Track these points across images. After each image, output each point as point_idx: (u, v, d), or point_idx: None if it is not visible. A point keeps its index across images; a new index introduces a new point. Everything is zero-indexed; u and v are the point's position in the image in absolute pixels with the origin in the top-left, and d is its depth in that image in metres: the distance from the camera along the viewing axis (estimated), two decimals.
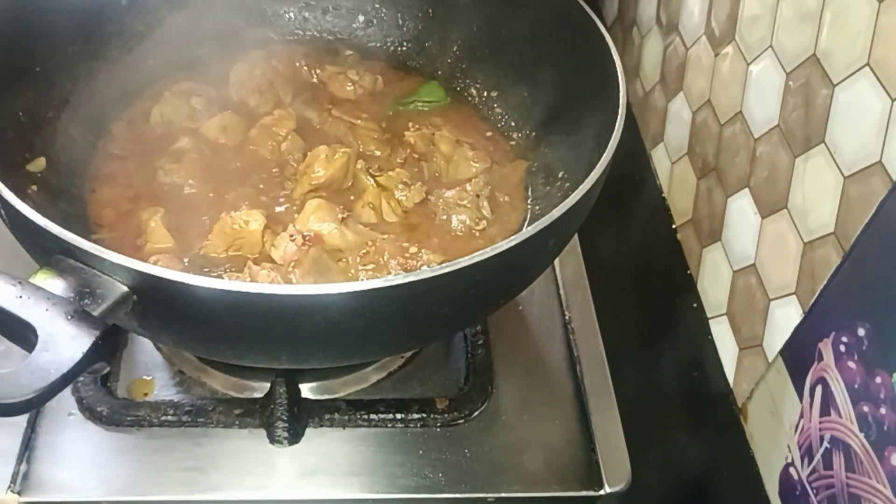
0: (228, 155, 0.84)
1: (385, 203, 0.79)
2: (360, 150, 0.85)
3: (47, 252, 0.55)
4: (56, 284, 0.52)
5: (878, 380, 0.54)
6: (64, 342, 0.48)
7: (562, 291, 0.88)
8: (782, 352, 0.67)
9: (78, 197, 0.79)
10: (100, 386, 0.75)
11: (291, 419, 0.73)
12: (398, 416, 0.75)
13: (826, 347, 0.61)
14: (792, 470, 0.65)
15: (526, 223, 0.83)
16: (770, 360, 0.69)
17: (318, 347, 0.62)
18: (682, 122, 0.89)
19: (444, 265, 0.55)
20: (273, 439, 0.73)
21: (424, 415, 0.76)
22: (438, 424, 0.76)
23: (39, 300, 0.50)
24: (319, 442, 0.74)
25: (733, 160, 0.77)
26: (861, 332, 0.56)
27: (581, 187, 0.62)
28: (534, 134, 0.89)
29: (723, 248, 0.79)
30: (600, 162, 0.64)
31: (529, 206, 0.85)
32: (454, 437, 0.75)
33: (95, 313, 0.51)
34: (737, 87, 0.76)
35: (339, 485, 0.72)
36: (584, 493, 0.73)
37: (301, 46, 0.99)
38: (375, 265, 0.74)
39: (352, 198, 0.80)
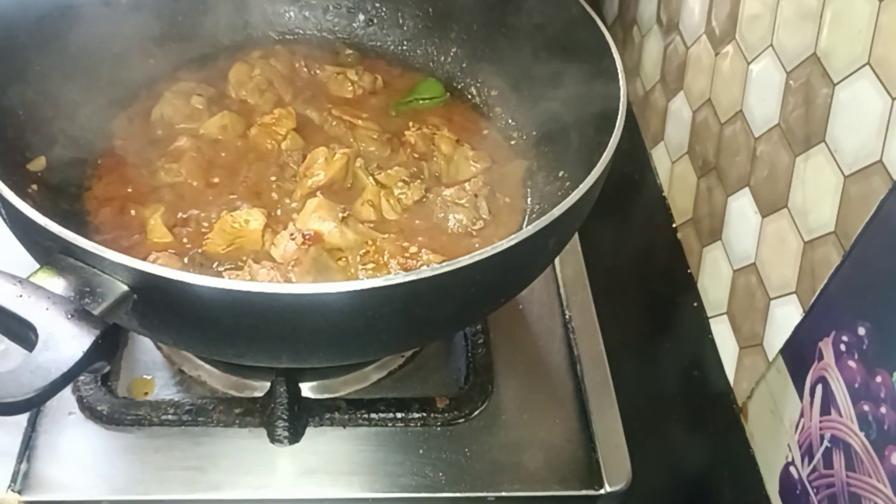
0: (228, 154, 0.84)
1: (384, 201, 0.79)
2: (360, 150, 0.85)
3: (47, 251, 0.55)
4: (56, 283, 0.52)
5: (879, 379, 0.54)
6: (64, 341, 0.48)
7: (562, 291, 0.88)
8: (783, 351, 0.67)
9: (78, 196, 0.79)
10: (100, 385, 0.75)
11: (292, 418, 0.73)
12: (398, 415, 0.75)
13: (826, 346, 0.61)
14: (792, 469, 0.65)
15: (525, 223, 0.83)
16: (770, 360, 0.69)
17: (319, 346, 0.62)
18: (682, 122, 0.89)
19: (444, 264, 0.55)
20: (273, 438, 0.73)
21: (425, 414, 0.76)
22: (439, 423, 0.76)
23: (40, 299, 0.50)
24: (320, 441, 0.74)
25: (733, 159, 0.77)
26: (861, 331, 0.56)
27: (581, 186, 0.62)
28: (534, 133, 0.89)
29: (723, 247, 0.79)
30: (600, 161, 0.64)
31: (529, 206, 0.85)
32: (454, 437, 0.75)
33: (96, 312, 0.51)
34: (737, 87, 0.76)
35: (340, 484, 0.72)
36: (584, 493, 0.73)
37: (301, 46, 0.99)
38: (375, 264, 0.74)
39: (351, 196, 0.80)
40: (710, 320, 0.81)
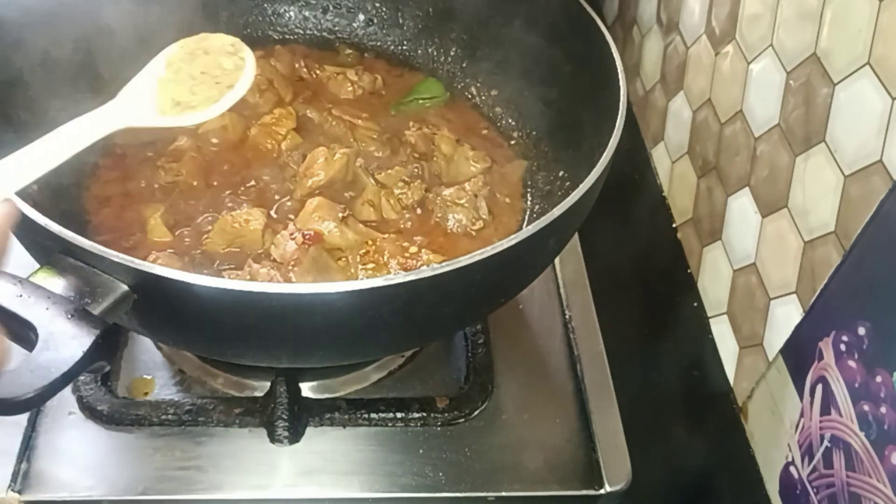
0: (229, 154, 0.84)
1: (384, 200, 0.80)
2: (360, 150, 0.85)
3: (47, 251, 0.55)
4: (56, 283, 0.51)
5: (879, 379, 0.54)
6: (64, 341, 0.48)
7: (562, 290, 0.88)
8: (783, 351, 0.67)
9: (78, 196, 0.79)
10: (100, 385, 0.75)
11: (292, 418, 0.73)
12: (398, 415, 0.75)
13: (826, 346, 0.61)
14: (792, 469, 0.65)
15: (525, 223, 0.83)
16: (770, 359, 0.69)
17: (319, 346, 0.62)
18: (682, 121, 0.89)
19: (444, 264, 0.55)
20: (273, 438, 0.73)
21: (425, 414, 0.76)
22: (439, 423, 0.76)
23: (40, 299, 0.50)
24: (320, 441, 0.74)
25: (734, 159, 0.77)
26: (861, 331, 0.56)
27: (581, 186, 0.62)
28: (534, 133, 0.89)
29: (723, 247, 0.79)
30: (600, 161, 0.64)
31: (529, 206, 0.85)
32: (454, 436, 0.75)
33: (96, 312, 0.51)
34: (737, 86, 0.76)
35: (340, 484, 0.72)
36: (584, 492, 0.73)
37: (301, 46, 0.99)
38: (375, 264, 0.74)
39: (352, 195, 0.80)
40: (710, 320, 0.81)
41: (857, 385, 0.57)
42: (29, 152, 0.46)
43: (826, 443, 0.61)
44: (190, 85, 0.58)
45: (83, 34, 0.83)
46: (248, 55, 0.59)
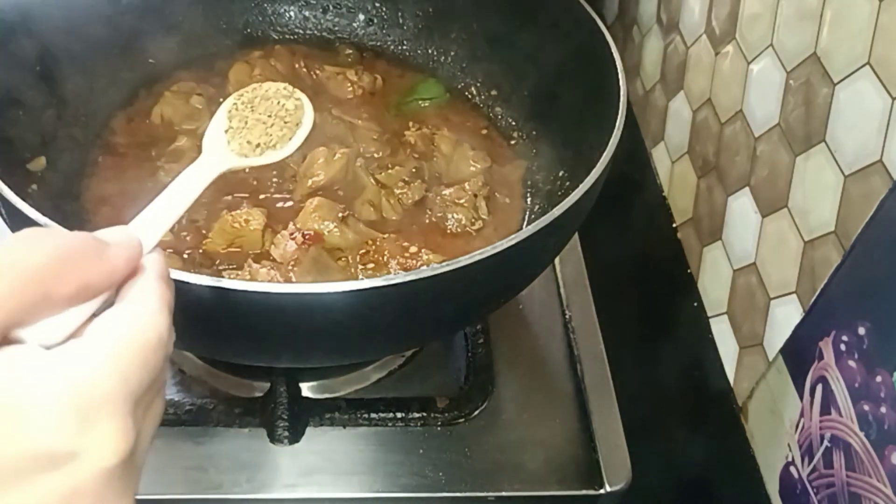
0: None
1: (384, 201, 0.79)
2: (361, 150, 0.85)
3: None
4: None
5: (879, 378, 0.54)
6: None
7: (562, 290, 0.88)
8: (783, 351, 0.67)
9: (78, 196, 0.79)
10: None
11: (292, 418, 0.73)
12: (398, 415, 0.75)
13: (826, 346, 0.61)
14: (792, 469, 0.65)
15: (525, 223, 0.83)
16: (770, 359, 0.69)
17: (319, 346, 0.62)
18: (682, 121, 0.89)
19: (444, 264, 0.55)
20: (274, 438, 0.73)
21: (425, 414, 0.76)
22: (439, 423, 0.76)
23: None
24: (320, 441, 0.74)
25: (734, 159, 0.77)
26: (861, 330, 0.56)
27: (581, 186, 0.62)
28: (534, 133, 0.89)
29: (723, 246, 0.79)
30: (600, 161, 0.64)
31: (529, 206, 0.85)
32: (454, 436, 0.75)
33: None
34: (737, 86, 0.76)
35: (340, 484, 0.72)
36: (584, 492, 0.73)
37: (301, 46, 0.99)
38: (375, 264, 0.74)
39: (351, 196, 0.80)
40: (711, 320, 0.81)
41: (857, 385, 0.57)
42: (149, 211, 0.51)
43: (826, 443, 0.61)
44: (263, 129, 0.62)
45: (81, 34, 0.83)
46: (302, 96, 0.65)
